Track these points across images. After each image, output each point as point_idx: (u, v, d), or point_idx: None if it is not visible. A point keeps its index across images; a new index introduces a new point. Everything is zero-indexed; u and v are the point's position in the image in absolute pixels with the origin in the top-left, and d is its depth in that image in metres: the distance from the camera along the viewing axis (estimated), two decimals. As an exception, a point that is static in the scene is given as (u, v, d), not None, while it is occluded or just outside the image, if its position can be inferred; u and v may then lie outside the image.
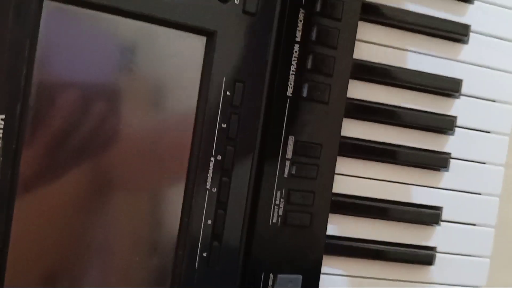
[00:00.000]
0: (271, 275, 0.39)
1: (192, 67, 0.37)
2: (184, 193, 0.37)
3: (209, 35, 0.37)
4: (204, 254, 0.37)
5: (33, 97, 0.32)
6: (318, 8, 0.40)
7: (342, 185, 0.43)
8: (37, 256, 0.33)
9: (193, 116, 0.37)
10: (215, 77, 0.37)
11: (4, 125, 0.31)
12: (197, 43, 0.37)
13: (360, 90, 0.44)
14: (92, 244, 0.35)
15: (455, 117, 0.46)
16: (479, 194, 0.47)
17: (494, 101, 0.48)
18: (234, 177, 0.38)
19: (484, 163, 0.48)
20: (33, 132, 0.32)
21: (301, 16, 0.40)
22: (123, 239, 0.36)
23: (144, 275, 0.36)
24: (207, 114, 0.37)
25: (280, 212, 0.40)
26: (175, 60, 0.36)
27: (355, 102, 0.44)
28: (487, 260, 0.47)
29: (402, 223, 0.45)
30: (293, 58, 0.40)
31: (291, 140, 0.40)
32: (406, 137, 0.45)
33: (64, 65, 0.33)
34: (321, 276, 0.42)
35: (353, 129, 0.44)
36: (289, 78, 0.40)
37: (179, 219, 0.36)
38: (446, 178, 0.46)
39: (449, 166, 0.46)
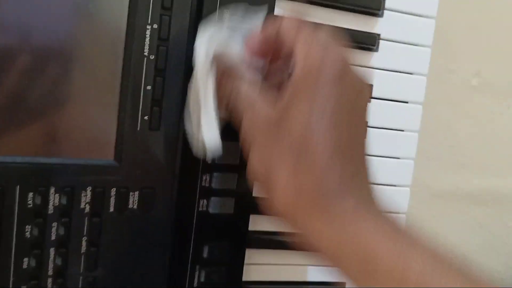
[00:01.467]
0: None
1: None
2: (123, 61, 0.38)
3: None
4: (146, 118, 0.39)
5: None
6: None
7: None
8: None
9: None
10: None
11: None
12: None
13: None
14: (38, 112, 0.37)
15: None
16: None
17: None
18: (171, 44, 0.39)
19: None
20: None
21: None
22: (68, 109, 0.38)
23: (88, 139, 0.39)
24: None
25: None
26: None
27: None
28: (424, 77, 0.49)
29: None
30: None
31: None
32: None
33: None
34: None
35: None
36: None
37: (119, 85, 0.39)
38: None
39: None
